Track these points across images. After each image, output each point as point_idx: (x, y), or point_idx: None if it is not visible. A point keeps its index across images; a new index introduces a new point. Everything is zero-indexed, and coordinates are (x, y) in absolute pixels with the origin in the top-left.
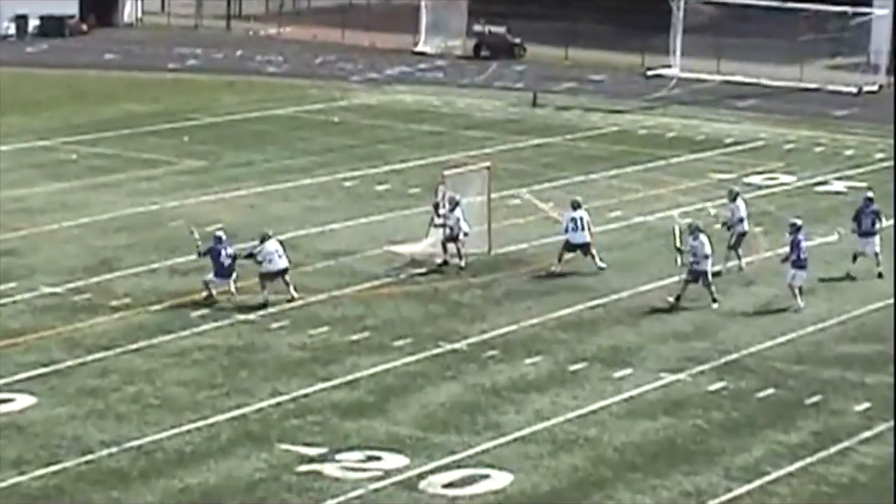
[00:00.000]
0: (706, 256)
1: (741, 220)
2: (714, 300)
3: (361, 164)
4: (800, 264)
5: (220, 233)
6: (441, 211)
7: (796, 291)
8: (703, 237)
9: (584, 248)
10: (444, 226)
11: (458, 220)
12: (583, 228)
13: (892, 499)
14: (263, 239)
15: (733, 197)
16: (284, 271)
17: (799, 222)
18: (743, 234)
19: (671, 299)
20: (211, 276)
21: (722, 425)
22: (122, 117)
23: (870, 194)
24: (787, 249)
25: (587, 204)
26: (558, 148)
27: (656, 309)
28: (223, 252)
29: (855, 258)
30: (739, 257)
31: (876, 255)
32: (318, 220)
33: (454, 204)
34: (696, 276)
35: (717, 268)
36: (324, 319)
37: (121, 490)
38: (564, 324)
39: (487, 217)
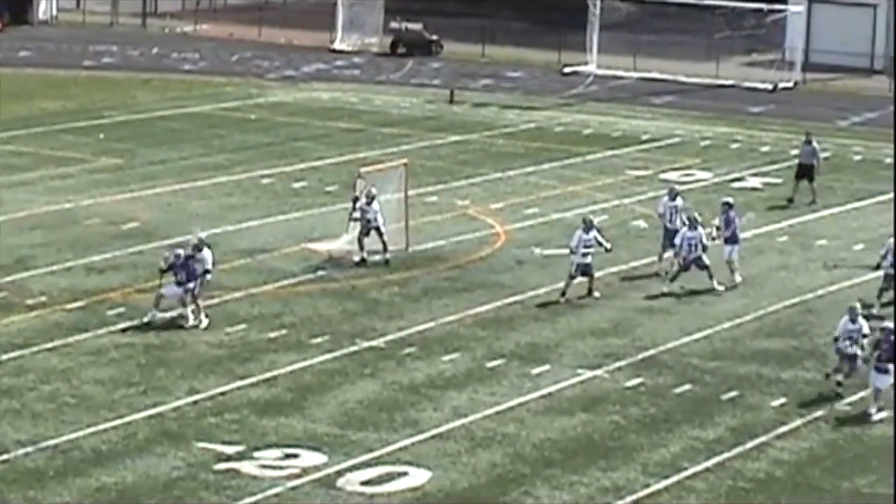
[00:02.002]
0: (704, 247)
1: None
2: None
3: (278, 161)
4: (734, 239)
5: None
6: (358, 205)
7: (734, 266)
8: (700, 229)
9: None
10: (360, 219)
11: (376, 213)
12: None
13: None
14: (200, 247)
15: (674, 196)
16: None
17: (731, 200)
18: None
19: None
20: (169, 287)
21: (639, 421)
22: (36, 115)
23: (729, 200)
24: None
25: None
26: (475, 145)
27: (573, 305)
28: (189, 267)
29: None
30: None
31: (729, 262)
32: (235, 218)
33: (371, 198)
34: (690, 264)
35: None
36: (241, 317)
37: (37, 489)
38: (482, 321)
39: (405, 214)
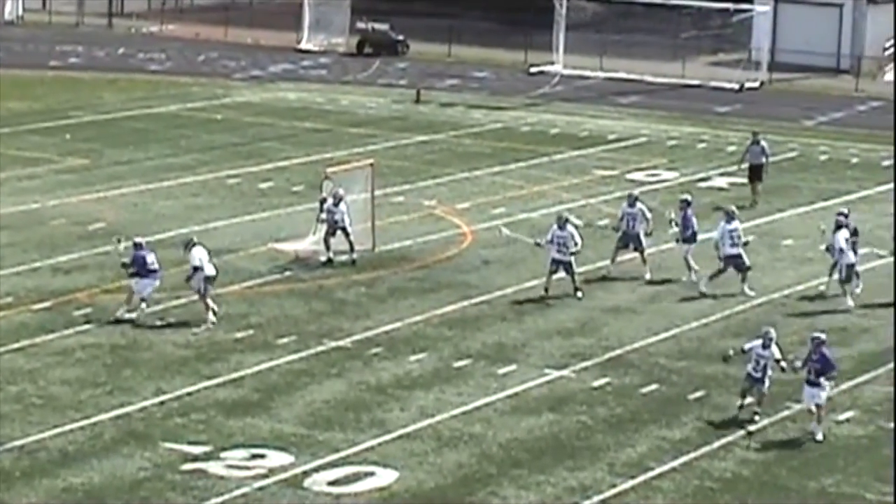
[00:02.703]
0: (745, 242)
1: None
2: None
3: (245, 161)
4: (691, 239)
5: (139, 239)
6: (326, 205)
7: (691, 263)
8: (736, 223)
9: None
10: (327, 220)
11: (343, 213)
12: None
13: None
14: (189, 245)
15: (632, 202)
16: (213, 278)
17: (689, 198)
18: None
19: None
20: (138, 282)
21: (606, 421)
22: (2, 115)
23: (687, 197)
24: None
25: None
26: (442, 145)
27: (540, 305)
28: (146, 257)
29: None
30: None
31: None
32: (202, 218)
33: (338, 199)
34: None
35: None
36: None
37: (3, 490)
38: (448, 321)
39: (371, 214)
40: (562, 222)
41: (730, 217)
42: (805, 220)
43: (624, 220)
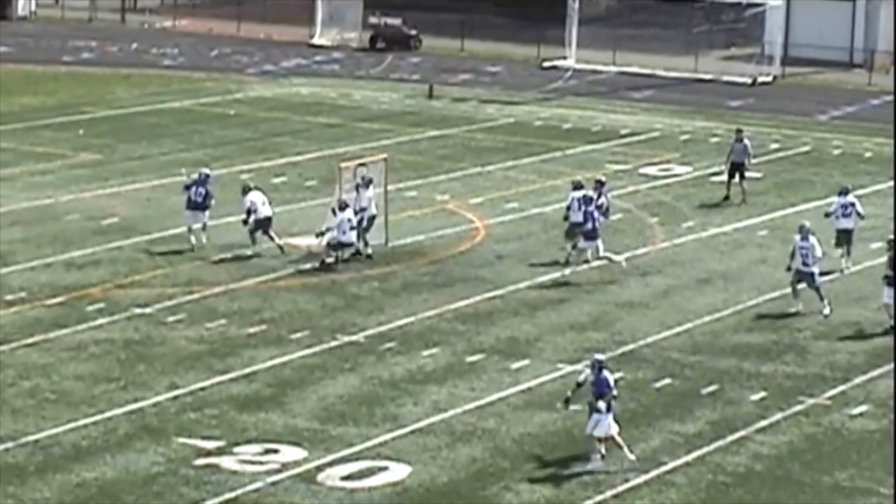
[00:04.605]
0: (816, 259)
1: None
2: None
3: (258, 156)
4: (591, 235)
5: (205, 170)
6: (353, 194)
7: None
8: (812, 239)
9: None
10: (356, 208)
11: (370, 199)
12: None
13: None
14: (245, 190)
15: (576, 187)
16: (269, 220)
17: (603, 178)
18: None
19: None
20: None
21: (619, 415)
22: (16, 111)
23: (601, 178)
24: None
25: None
26: (455, 139)
27: (553, 300)
28: (197, 188)
29: None
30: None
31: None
32: (215, 213)
33: (367, 181)
34: (803, 277)
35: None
36: (221, 312)
37: (17, 485)
38: (462, 315)
39: (384, 209)
40: (576, 186)
41: (844, 192)
42: (818, 214)
43: (573, 206)
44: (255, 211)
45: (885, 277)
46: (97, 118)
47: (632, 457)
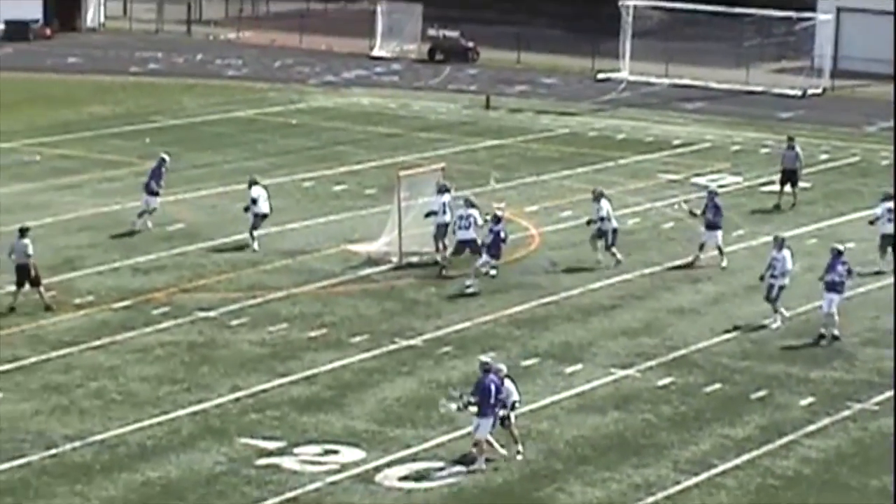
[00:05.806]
0: (786, 271)
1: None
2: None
3: (319, 165)
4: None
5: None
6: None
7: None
8: (785, 251)
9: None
10: (432, 213)
11: (443, 204)
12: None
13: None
14: (251, 184)
15: (597, 196)
16: (265, 217)
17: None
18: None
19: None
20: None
21: (670, 419)
22: (84, 119)
23: (714, 187)
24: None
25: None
26: (511, 149)
27: (606, 306)
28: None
29: (701, 247)
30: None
31: (719, 248)
32: (277, 220)
33: (443, 189)
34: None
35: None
36: (283, 316)
37: (84, 483)
38: (517, 321)
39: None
40: (596, 195)
41: (886, 198)
42: (867, 224)
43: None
44: (256, 204)
45: None
46: (163, 127)
47: (503, 451)
